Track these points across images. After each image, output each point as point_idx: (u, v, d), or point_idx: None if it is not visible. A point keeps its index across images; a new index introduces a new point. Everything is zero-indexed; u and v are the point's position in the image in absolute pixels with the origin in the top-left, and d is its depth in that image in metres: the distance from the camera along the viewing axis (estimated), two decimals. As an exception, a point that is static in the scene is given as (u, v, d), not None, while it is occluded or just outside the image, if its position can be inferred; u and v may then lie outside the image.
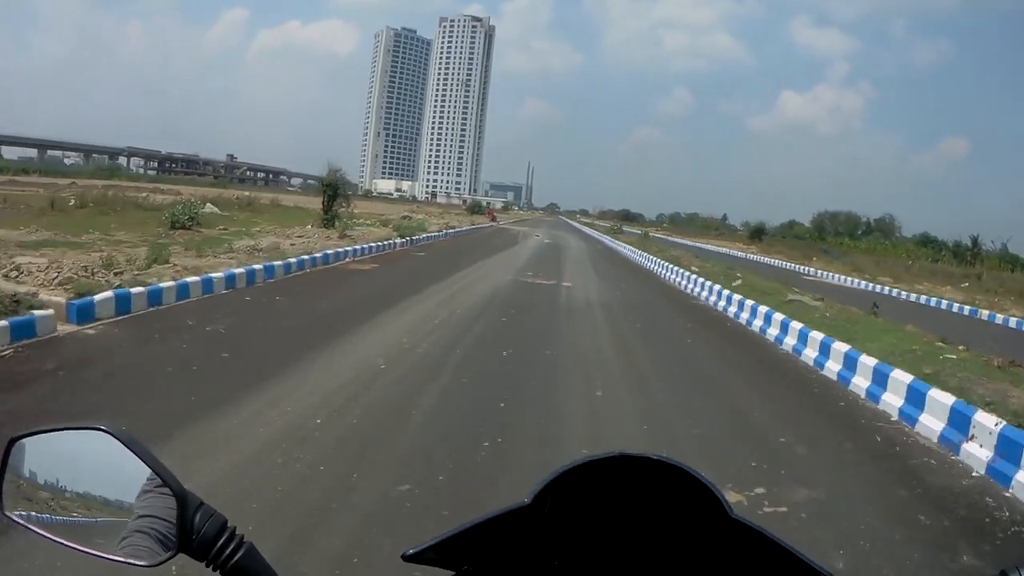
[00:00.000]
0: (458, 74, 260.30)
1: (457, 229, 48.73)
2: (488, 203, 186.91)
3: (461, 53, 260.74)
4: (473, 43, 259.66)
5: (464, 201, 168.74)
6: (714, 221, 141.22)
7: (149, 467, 0.84)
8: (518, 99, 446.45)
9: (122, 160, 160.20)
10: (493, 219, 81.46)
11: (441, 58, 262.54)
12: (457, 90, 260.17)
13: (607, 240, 61.26)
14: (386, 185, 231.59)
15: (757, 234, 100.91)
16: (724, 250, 69.01)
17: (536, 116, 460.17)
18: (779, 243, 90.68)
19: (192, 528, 0.83)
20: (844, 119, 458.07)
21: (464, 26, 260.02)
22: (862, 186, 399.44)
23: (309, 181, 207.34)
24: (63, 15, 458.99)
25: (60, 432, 0.89)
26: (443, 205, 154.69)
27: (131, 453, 0.84)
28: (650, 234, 68.85)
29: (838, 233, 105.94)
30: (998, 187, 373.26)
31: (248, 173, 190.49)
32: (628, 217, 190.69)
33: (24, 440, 0.88)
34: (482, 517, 0.84)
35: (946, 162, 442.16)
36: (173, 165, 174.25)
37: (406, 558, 0.85)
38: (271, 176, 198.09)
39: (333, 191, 35.37)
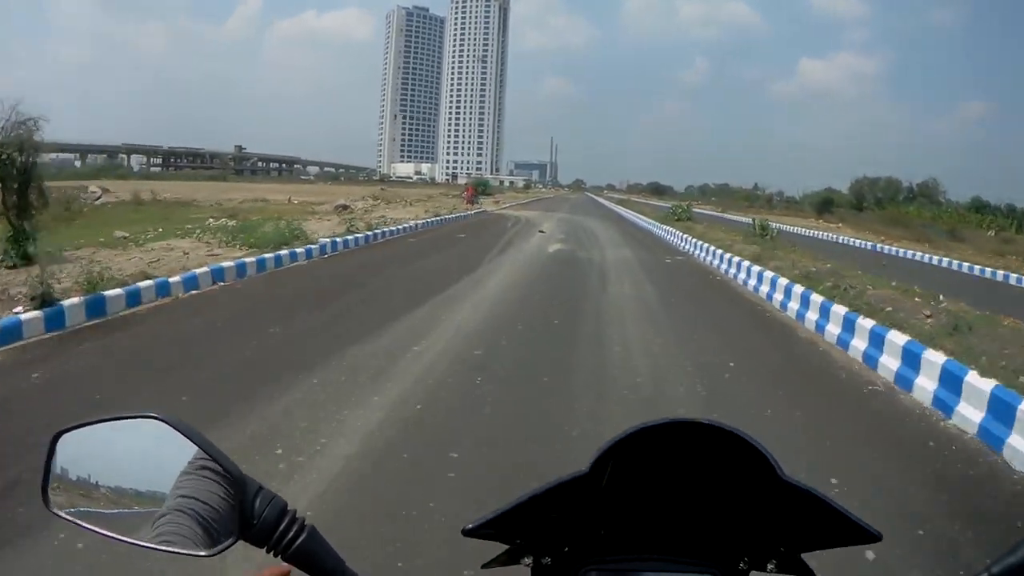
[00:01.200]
0: (474, 51, 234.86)
1: (395, 227, 24.35)
2: (505, 182, 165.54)
3: (476, 29, 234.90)
4: (488, 18, 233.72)
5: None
6: (762, 193, 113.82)
7: (205, 452, 0.75)
8: (539, 77, 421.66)
9: (121, 158, 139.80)
10: (471, 202, 49.78)
11: (455, 35, 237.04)
12: (473, 67, 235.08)
13: (673, 238, 27.47)
14: (405, 168, 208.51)
15: (826, 206, 74.68)
16: (817, 233, 44.77)
17: (558, 93, 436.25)
18: (857, 216, 64.62)
19: (253, 513, 0.75)
20: (868, 83, 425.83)
21: (477, 1, 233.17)
22: (893, 150, 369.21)
23: (326, 169, 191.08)
24: (71, 13, 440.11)
25: (108, 423, 0.80)
26: (460, 186, 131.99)
27: (185, 440, 0.76)
28: (771, 225, 28.07)
29: (878, 200, 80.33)
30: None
31: (259, 164, 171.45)
32: (658, 190, 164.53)
33: (69, 433, 0.80)
34: (541, 488, 0.80)
35: (975, 124, 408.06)
36: (177, 160, 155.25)
37: (466, 533, 0.82)
38: (284, 166, 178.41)
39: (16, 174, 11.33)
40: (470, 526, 0.81)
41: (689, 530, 0.86)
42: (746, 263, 15.84)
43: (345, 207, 37.32)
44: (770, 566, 0.85)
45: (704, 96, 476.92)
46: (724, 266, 17.83)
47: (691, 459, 0.81)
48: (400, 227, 25.31)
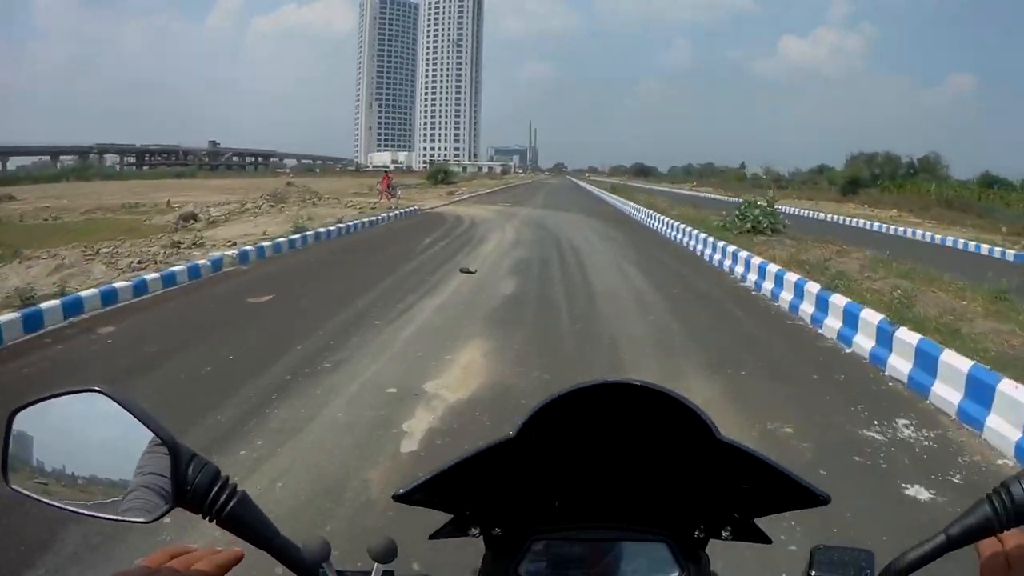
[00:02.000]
0: (448, 35, 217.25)
1: (112, 285, 9.52)
2: (484, 167, 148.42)
3: (450, 13, 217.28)
4: (461, 2, 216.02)
5: (464, 169, 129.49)
6: (767, 172, 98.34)
7: (142, 423, 0.74)
8: (518, 63, 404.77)
9: (93, 158, 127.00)
10: (389, 194, 32.60)
11: (429, 21, 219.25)
12: (448, 52, 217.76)
13: (780, 290, 10.48)
14: (381, 158, 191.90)
15: (852, 187, 58.84)
16: (888, 228, 29.25)
17: (538, 79, 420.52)
18: (899, 199, 48.85)
19: (186, 480, 0.74)
20: (853, 59, 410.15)
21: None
22: (884, 127, 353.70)
23: (303, 161, 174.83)
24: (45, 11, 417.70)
25: (57, 398, 0.78)
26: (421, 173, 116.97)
27: (126, 412, 0.75)
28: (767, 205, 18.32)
29: (875, 176, 66.17)
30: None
31: (234, 159, 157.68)
32: (643, 171, 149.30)
33: (25, 410, 0.78)
34: (468, 453, 0.77)
35: (966, 97, 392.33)
36: (152, 158, 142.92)
37: (396, 498, 0.79)
38: (260, 160, 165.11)
39: None
40: (400, 491, 0.78)
41: (640, 498, 0.82)
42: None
43: (193, 217, 22.31)
44: (725, 533, 0.82)
45: (685, 77, 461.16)
46: None
47: (629, 422, 0.76)
48: (131, 283, 10.25)
